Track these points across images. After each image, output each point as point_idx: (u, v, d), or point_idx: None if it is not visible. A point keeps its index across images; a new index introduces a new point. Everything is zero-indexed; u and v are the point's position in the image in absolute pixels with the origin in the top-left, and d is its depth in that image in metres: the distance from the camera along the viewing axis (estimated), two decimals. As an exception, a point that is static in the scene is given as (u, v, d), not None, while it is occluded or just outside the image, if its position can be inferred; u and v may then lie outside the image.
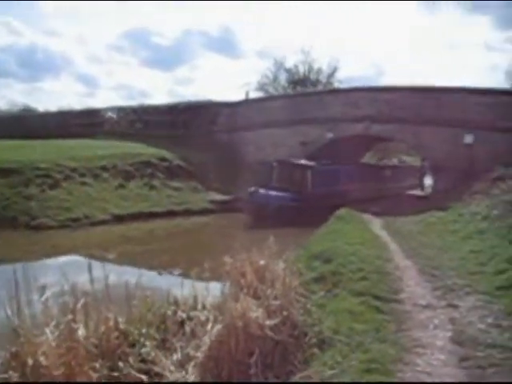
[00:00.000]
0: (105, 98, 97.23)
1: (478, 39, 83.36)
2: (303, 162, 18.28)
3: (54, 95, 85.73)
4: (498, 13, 75.46)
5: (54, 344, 3.39)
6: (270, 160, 18.83)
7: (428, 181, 23.94)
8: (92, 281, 4.18)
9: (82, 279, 4.40)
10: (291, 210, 15.13)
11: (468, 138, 16.98)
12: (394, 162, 35.82)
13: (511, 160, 13.66)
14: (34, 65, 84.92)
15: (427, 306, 5.65)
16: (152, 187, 18.41)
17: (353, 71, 73.49)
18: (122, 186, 17.63)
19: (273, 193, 16.29)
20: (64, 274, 4.13)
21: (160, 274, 8.90)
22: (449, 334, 4.78)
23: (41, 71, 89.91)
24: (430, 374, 3.96)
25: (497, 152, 15.15)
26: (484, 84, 51.29)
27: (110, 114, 28.20)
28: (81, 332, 3.58)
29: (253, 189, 15.98)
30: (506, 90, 20.92)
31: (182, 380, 3.76)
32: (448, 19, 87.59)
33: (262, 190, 15.91)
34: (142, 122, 26.11)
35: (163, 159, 20.29)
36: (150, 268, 9.48)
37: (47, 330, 3.47)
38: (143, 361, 3.91)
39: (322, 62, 45.32)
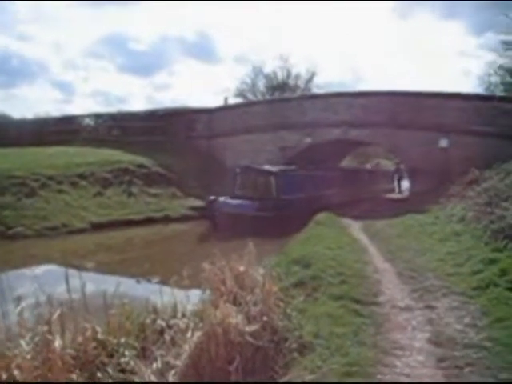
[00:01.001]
0: (82, 105, 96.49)
1: (452, 45, 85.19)
2: (267, 167, 17.29)
3: (30, 102, 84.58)
4: (471, 19, 77.40)
5: (28, 356, 3.32)
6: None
7: (405, 184, 24.32)
8: (69, 290, 4.12)
9: (59, 289, 4.33)
10: (254, 219, 13.82)
11: (443, 142, 17.33)
12: (368, 166, 35.68)
13: (485, 163, 13.96)
14: (8, 71, 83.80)
15: (405, 308, 5.72)
16: (130, 194, 18.23)
17: (331, 77, 74.71)
18: (99, 194, 17.41)
19: (234, 201, 15.40)
20: (40, 284, 4.06)
21: (138, 282, 8.79)
22: (427, 335, 4.85)
23: (16, 77, 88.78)
24: (409, 375, 4.00)
25: (471, 155, 15.49)
26: (458, 89, 52.41)
27: (87, 120, 27.85)
28: (57, 343, 3.51)
29: (212, 197, 15.39)
30: (479, 94, 21.41)
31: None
32: (423, 25, 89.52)
33: (221, 199, 15.18)
34: (120, 128, 25.86)
35: (142, 166, 20.12)
36: (129, 276, 9.37)
37: (22, 342, 3.40)
38: (122, 371, 3.85)
39: (301, 68, 45.90)
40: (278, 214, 14.72)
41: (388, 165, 36.22)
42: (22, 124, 29.12)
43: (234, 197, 15.90)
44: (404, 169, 23.63)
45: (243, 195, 15.97)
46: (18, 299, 3.76)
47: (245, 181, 16.98)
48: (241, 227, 12.52)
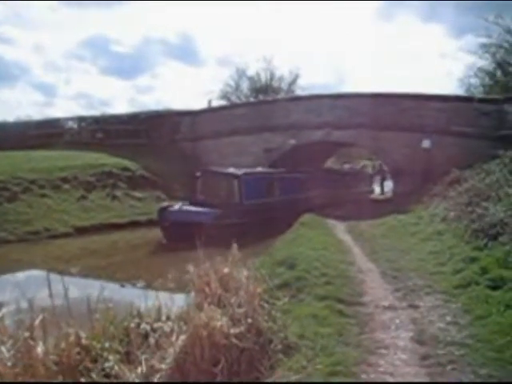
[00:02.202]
0: (64, 108, 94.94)
1: (433, 47, 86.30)
2: (230, 170, 16.01)
3: (11, 105, 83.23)
4: (451, 22, 78.51)
5: (9, 363, 3.27)
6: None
7: (389, 184, 24.52)
8: (51, 296, 4.08)
9: (42, 294, 4.28)
10: (212, 228, 12.38)
11: (426, 143, 17.55)
12: (345, 167, 32.65)
13: (466, 163, 14.19)
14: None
15: (389, 308, 5.78)
16: (114, 198, 18.07)
17: (314, 79, 74.84)
18: (83, 198, 17.23)
19: (190, 208, 14.06)
20: (22, 289, 4.01)
21: (122, 286, 8.72)
22: (410, 333, 4.91)
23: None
24: (393, 373, 4.05)
25: (452, 155, 15.75)
26: (440, 91, 53.04)
27: (70, 123, 27.54)
28: (39, 349, 3.47)
29: (165, 204, 14.30)
30: (460, 96, 21.77)
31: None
32: (405, 27, 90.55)
33: (175, 207, 13.89)
34: (104, 131, 25.62)
35: (125, 169, 19.97)
36: (114, 281, 9.29)
37: (3, 349, 3.35)
38: (107, 375, 3.82)
39: (284, 70, 46.10)
40: (240, 222, 13.43)
41: (371, 165, 36.46)
42: (3, 127, 28.61)
43: (194, 203, 14.66)
44: (387, 170, 23.71)
45: (204, 201, 14.68)
46: (-1, 305, 3.71)
47: (206, 185, 15.72)
48: (196, 237, 10.65)
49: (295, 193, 17.89)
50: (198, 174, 16.08)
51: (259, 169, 17.71)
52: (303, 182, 18.96)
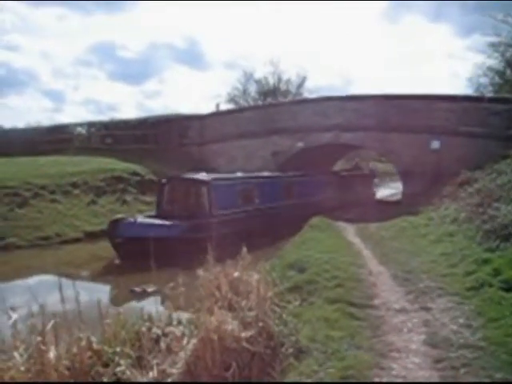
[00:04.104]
0: (73, 113, 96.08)
1: (440, 47, 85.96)
2: (199, 175, 14.18)
3: (20, 111, 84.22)
4: (458, 21, 78.18)
5: (22, 368, 3.29)
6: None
7: (398, 186, 24.29)
8: (63, 300, 4.09)
9: (53, 299, 4.29)
10: (178, 243, 11.06)
11: (435, 144, 17.41)
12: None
13: (476, 164, 14.06)
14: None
15: (401, 310, 5.74)
16: (124, 202, 18.13)
17: (321, 81, 74.99)
18: (93, 202, 17.31)
19: (149, 221, 12.37)
20: (34, 294, 4.03)
21: (133, 291, 8.73)
22: (422, 336, 4.87)
23: (4, 87, 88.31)
24: (405, 377, 4.02)
25: (462, 156, 15.61)
26: (447, 91, 52.87)
27: (79, 129, 27.77)
28: (51, 354, 3.49)
29: (118, 216, 12.10)
30: (469, 96, 21.59)
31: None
32: (412, 28, 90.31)
33: (130, 219, 11.81)
34: (113, 136, 25.79)
35: (135, 174, 20.04)
36: (125, 286, 9.32)
37: (16, 354, 3.36)
38: (118, 380, 3.83)
39: (291, 73, 46.15)
40: (210, 236, 11.29)
41: (382, 167, 36.26)
42: (13, 134, 28.94)
43: (160, 214, 13.23)
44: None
45: (171, 212, 13.17)
46: (12, 311, 3.73)
47: (173, 194, 14.01)
48: (155, 255, 8.05)
49: (281, 200, 16.15)
50: (164, 180, 14.37)
51: (239, 174, 15.84)
52: (294, 186, 17.36)
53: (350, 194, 21.03)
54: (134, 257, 9.75)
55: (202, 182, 13.59)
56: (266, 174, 17.11)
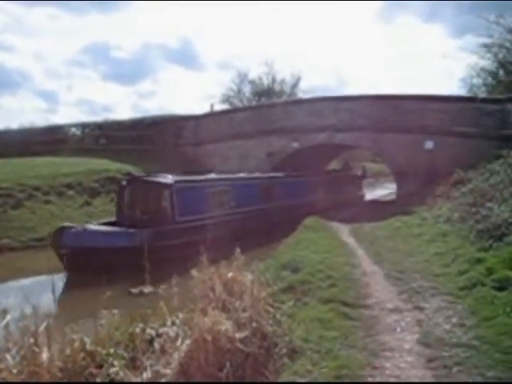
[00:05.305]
0: (66, 114, 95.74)
1: (434, 47, 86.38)
2: (160, 178, 12.81)
3: (14, 112, 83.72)
4: (451, 22, 78.58)
5: (15, 370, 3.27)
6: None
7: (393, 186, 24.35)
8: (56, 302, 4.08)
9: (46, 301, 4.28)
10: (134, 253, 9.09)
11: (428, 144, 17.50)
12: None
13: (469, 163, 14.14)
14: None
15: (394, 310, 5.77)
16: (118, 203, 18.11)
17: (315, 81, 75.09)
18: (87, 204, 17.27)
19: (100, 229, 11.30)
20: (27, 296, 4.02)
21: (130, 292, 8.70)
22: (416, 336, 4.89)
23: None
24: (399, 376, 4.04)
25: (455, 156, 15.69)
26: (441, 91, 53.17)
27: (73, 130, 27.66)
28: (45, 355, 3.47)
29: (65, 225, 10.96)
30: (461, 96, 21.71)
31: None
32: (406, 29, 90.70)
33: (79, 227, 10.80)
34: (107, 137, 25.75)
35: (129, 174, 20.01)
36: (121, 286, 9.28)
37: (8, 356, 3.35)
38: (112, 381, 3.82)
39: (285, 73, 46.21)
40: (171, 244, 10.83)
41: (375, 168, 36.38)
42: (7, 135, 28.78)
43: (121, 220, 12.19)
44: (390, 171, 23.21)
45: (132, 218, 11.86)
46: (4, 312, 3.71)
47: (134, 198, 12.66)
48: (107, 267, 8.33)
49: (259, 203, 15.16)
50: (124, 182, 13.03)
51: (212, 175, 14.77)
52: (274, 188, 16.35)
53: (336, 196, 20.29)
54: (82, 270, 8.96)
55: (164, 185, 12.31)
56: (242, 175, 16.15)
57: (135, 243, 10.19)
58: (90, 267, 8.73)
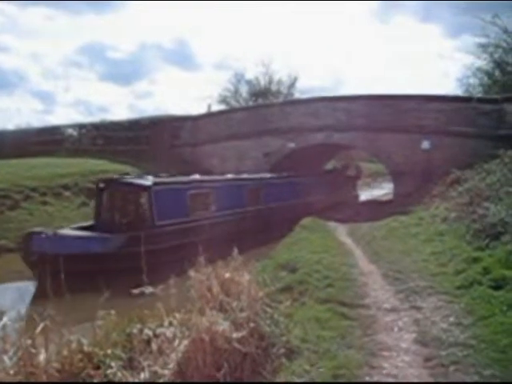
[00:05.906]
0: (63, 115, 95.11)
1: (431, 47, 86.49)
2: (139, 179, 12.20)
3: (10, 113, 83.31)
4: (447, 22, 78.76)
5: (12, 372, 3.26)
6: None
7: (390, 186, 24.39)
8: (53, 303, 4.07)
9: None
10: (111, 260, 9.69)
11: (425, 144, 17.54)
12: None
13: (466, 163, 14.18)
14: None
15: (392, 310, 5.78)
16: (116, 204, 18.10)
17: (312, 81, 75.13)
18: (84, 204, 17.23)
19: (73, 234, 10.65)
20: (23, 297, 4.01)
21: (131, 293, 8.67)
22: (413, 335, 4.91)
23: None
24: (396, 375, 4.05)
25: (452, 156, 15.74)
26: (438, 91, 53.22)
27: (70, 131, 27.59)
28: (42, 357, 3.47)
29: (35, 230, 10.35)
30: (458, 96, 21.79)
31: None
32: (402, 28, 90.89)
33: (49, 232, 10.06)
34: (104, 138, 25.71)
35: (126, 175, 19.97)
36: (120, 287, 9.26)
37: (5, 357, 3.34)
38: (109, 382, 3.82)
39: (282, 73, 46.24)
40: (150, 250, 8.95)
41: (372, 168, 36.37)
42: (3, 135, 28.70)
43: (99, 224, 11.60)
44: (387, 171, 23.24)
45: (110, 222, 11.62)
46: (1, 314, 3.70)
47: (112, 201, 12.23)
48: (79, 275, 7.57)
49: (245, 205, 14.78)
50: (102, 185, 12.27)
51: (195, 176, 14.34)
52: (262, 190, 15.84)
53: (328, 197, 20.02)
54: (53, 277, 8.16)
55: (142, 188, 11.67)
56: (228, 176, 15.71)
57: (108, 249, 10.08)
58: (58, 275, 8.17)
